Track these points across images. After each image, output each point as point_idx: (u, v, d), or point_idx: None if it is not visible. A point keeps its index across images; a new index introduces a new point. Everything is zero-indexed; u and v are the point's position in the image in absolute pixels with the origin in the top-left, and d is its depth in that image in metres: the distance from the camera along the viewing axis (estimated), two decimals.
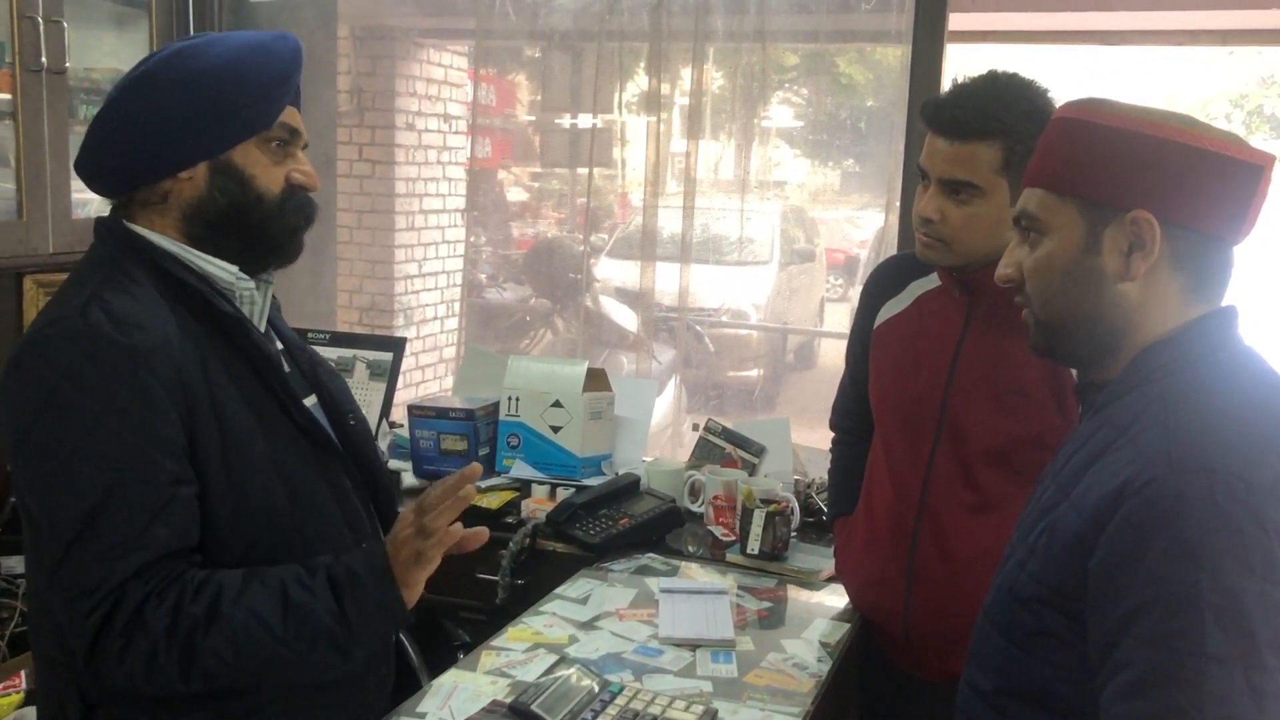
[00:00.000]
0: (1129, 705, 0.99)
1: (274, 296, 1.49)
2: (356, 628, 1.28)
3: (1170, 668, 0.96)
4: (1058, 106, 1.19)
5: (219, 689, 1.26)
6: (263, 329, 1.43)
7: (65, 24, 2.49)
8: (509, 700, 1.46)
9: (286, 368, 1.45)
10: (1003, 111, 1.57)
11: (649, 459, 2.66)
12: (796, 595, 2.00)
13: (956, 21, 2.74)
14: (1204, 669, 0.95)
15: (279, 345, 1.49)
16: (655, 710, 1.44)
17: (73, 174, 2.56)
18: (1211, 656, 0.95)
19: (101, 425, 1.21)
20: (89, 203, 2.65)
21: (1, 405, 1.27)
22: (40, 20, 2.45)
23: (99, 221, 1.39)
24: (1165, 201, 1.08)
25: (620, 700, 1.46)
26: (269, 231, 1.39)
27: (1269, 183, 1.09)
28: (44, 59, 2.46)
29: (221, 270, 1.37)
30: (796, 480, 2.46)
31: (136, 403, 1.22)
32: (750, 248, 5.46)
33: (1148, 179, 1.08)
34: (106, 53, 2.84)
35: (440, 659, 1.89)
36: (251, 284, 1.41)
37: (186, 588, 1.23)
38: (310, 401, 1.48)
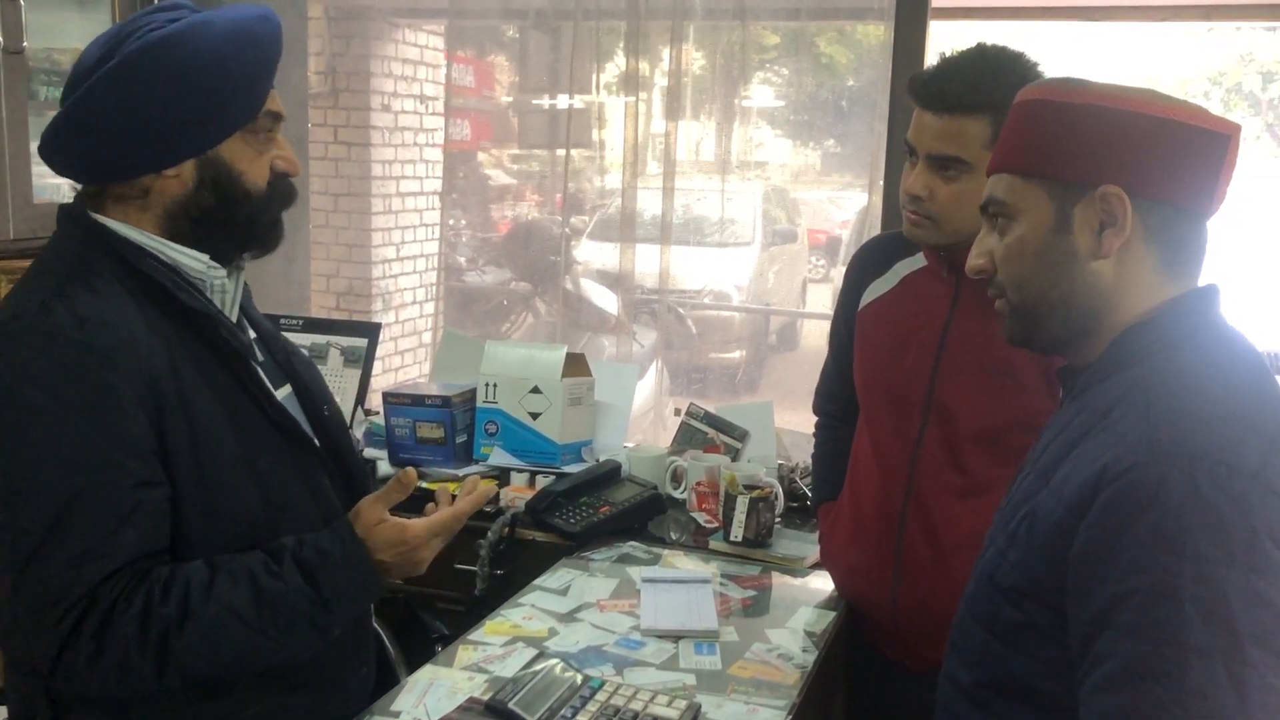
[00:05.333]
0: (1108, 699, 0.96)
1: (245, 284, 1.44)
2: (334, 606, 1.28)
3: (1150, 660, 0.94)
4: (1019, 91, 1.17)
5: (195, 683, 1.24)
6: (234, 319, 1.38)
7: (22, 2, 2.42)
8: (486, 697, 1.42)
9: (260, 357, 1.40)
10: (991, 85, 1.53)
11: (630, 445, 2.62)
12: (781, 582, 1.96)
13: None
14: (1184, 661, 0.92)
15: (252, 334, 1.43)
16: (637, 706, 1.40)
17: (34, 158, 2.49)
18: (1192, 649, 0.92)
19: (64, 427, 1.16)
20: (52, 187, 2.57)
21: None
22: None
23: (63, 210, 1.32)
24: (1134, 175, 1.06)
25: (600, 696, 1.42)
26: (255, 226, 1.34)
27: (1236, 152, 1.08)
28: (0, 38, 2.38)
29: (192, 260, 1.31)
30: (780, 465, 2.42)
31: (100, 403, 1.17)
32: (731, 229, 5.43)
33: (1114, 153, 1.06)
34: (68, 32, 2.76)
35: (418, 651, 1.86)
36: (223, 273, 1.35)
37: (154, 588, 1.19)
38: (284, 392, 1.43)
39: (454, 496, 1.45)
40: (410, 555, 1.34)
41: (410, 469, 1.36)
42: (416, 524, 1.35)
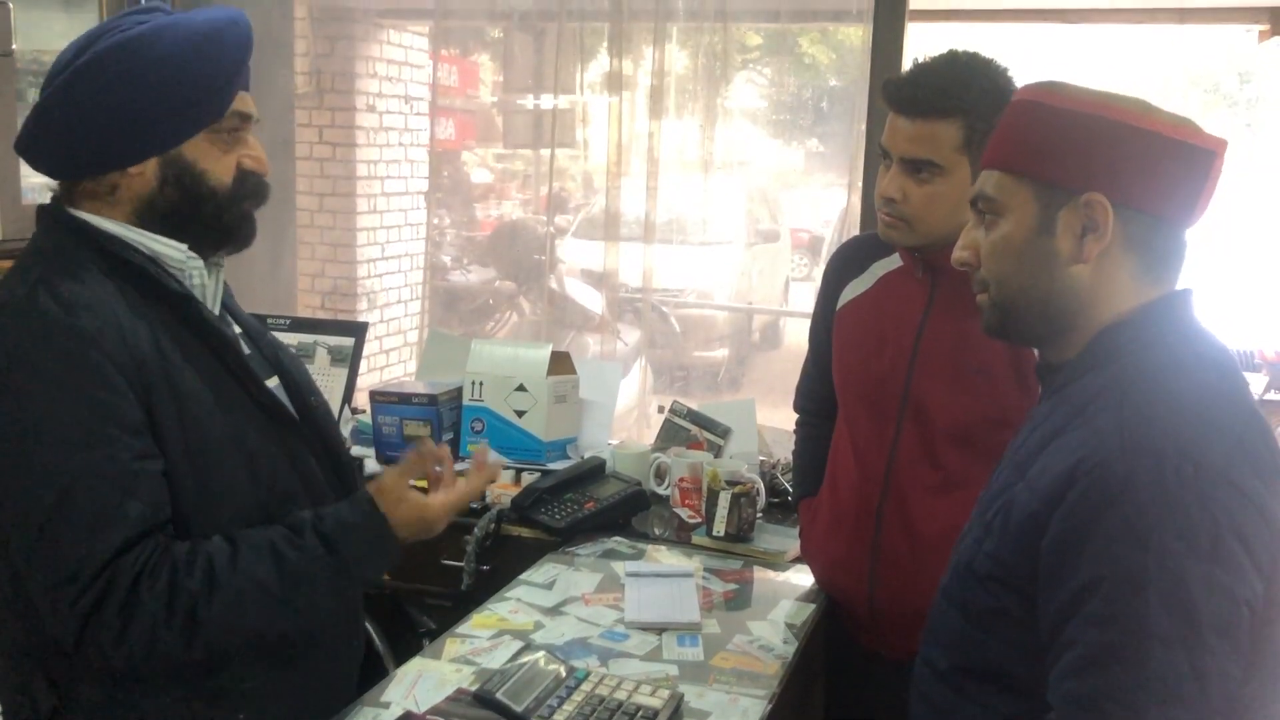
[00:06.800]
0: (1073, 684, 1.00)
1: (225, 284, 1.47)
2: (354, 571, 1.35)
3: (1114, 647, 0.98)
4: (1018, 88, 1.19)
5: (218, 653, 1.28)
6: (216, 311, 1.41)
7: (10, 4, 2.43)
8: (474, 688, 1.45)
9: (246, 350, 1.43)
10: (963, 90, 1.57)
11: (614, 442, 2.65)
12: (762, 576, 2.00)
13: (917, 0, 2.74)
14: (1147, 649, 0.96)
15: (236, 329, 1.47)
16: (621, 695, 1.44)
17: (23, 160, 2.50)
18: (1155, 637, 0.96)
19: (58, 407, 1.19)
20: (40, 188, 2.59)
21: None
22: None
23: (41, 209, 1.36)
24: (1119, 185, 1.09)
25: (586, 686, 1.45)
26: (223, 221, 1.37)
27: (1221, 167, 1.10)
28: None
29: (171, 249, 1.35)
30: (762, 461, 2.46)
31: (91, 382, 1.21)
32: (715, 228, 5.45)
33: (1102, 162, 1.09)
34: (56, 34, 2.78)
35: (405, 646, 1.88)
36: (201, 263, 1.38)
37: (178, 562, 1.23)
38: (272, 384, 1.46)
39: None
40: (429, 529, 1.42)
41: (428, 440, 1.42)
42: (435, 502, 1.43)
